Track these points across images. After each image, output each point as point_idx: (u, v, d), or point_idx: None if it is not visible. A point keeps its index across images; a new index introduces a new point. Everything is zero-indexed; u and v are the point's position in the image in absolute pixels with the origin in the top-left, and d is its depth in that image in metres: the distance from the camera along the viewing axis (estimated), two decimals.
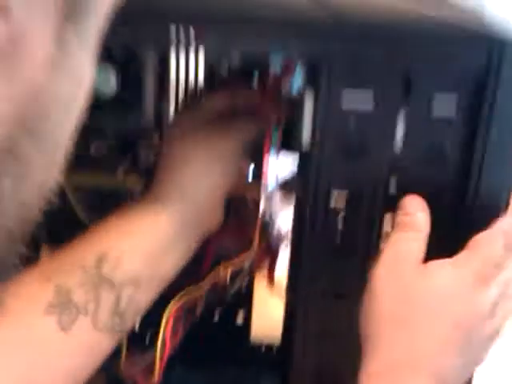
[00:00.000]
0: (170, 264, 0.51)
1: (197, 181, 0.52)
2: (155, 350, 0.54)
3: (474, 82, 0.47)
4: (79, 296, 0.46)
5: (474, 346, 0.44)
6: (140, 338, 0.65)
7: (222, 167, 0.53)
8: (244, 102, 0.56)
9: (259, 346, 0.66)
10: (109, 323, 0.47)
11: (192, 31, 0.44)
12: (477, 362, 0.46)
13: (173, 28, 0.44)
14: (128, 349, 0.59)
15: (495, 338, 0.46)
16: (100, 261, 0.47)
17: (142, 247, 0.49)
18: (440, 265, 0.45)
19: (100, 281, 0.47)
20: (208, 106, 0.54)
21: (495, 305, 0.45)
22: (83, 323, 0.46)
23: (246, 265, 0.58)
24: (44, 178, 0.27)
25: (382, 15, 0.44)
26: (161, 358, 0.53)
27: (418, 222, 0.47)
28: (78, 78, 0.26)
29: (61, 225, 0.52)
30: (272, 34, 0.45)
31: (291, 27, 0.45)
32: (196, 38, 0.45)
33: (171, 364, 0.60)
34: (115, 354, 0.58)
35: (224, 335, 0.66)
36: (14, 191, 0.25)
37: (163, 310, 0.55)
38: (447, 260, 0.45)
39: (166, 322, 0.54)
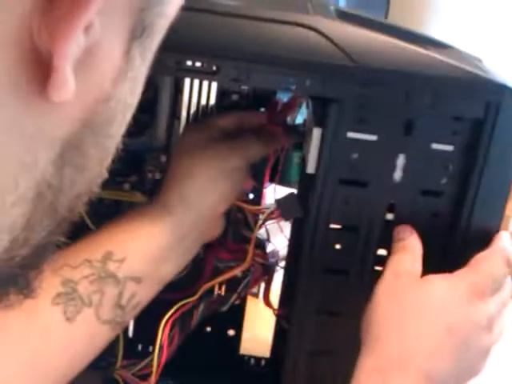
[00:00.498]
0: (170, 267, 0.55)
1: (201, 195, 0.55)
2: (152, 356, 0.56)
3: (471, 133, 0.50)
4: (84, 288, 0.50)
5: (471, 354, 0.48)
6: (133, 344, 0.67)
7: (227, 184, 0.55)
8: (251, 123, 0.59)
9: (248, 359, 0.68)
10: (111, 315, 0.51)
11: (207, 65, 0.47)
12: (473, 372, 0.49)
13: (189, 61, 0.47)
14: (123, 355, 0.61)
15: (488, 357, 0.49)
16: (106, 257, 0.51)
17: (145, 249, 0.53)
18: (436, 277, 0.49)
19: (105, 275, 0.50)
20: (217, 124, 0.58)
21: (492, 320, 0.49)
22: (87, 314, 0.49)
23: (244, 281, 0.61)
24: (96, 173, 0.30)
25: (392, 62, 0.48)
26: (158, 364, 0.55)
27: (412, 245, 0.51)
28: (137, 89, 0.29)
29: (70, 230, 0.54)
30: (284, 72, 0.48)
31: (307, 66, 0.47)
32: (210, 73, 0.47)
33: (161, 374, 0.62)
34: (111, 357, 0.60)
35: (214, 346, 0.68)
36: (72, 181, 0.28)
37: (156, 319, 0.58)
38: (446, 274, 0.49)
39: (163, 329, 0.56)
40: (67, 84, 0.23)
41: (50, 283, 0.48)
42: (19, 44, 0.22)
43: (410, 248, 0.51)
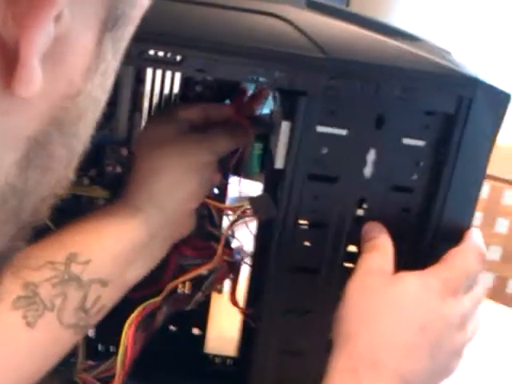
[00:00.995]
0: (138, 269, 0.53)
1: (168, 190, 0.53)
2: (116, 358, 0.54)
3: (442, 128, 0.49)
4: (46, 291, 0.47)
5: (443, 353, 0.47)
6: (93, 344, 0.65)
7: (195, 178, 0.53)
8: (217, 115, 0.57)
9: (214, 357, 0.66)
10: (74, 319, 0.48)
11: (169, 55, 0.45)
12: (446, 371, 0.48)
13: (151, 49, 0.45)
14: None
15: (462, 356, 0.49)
16: (69, 259, 0.48)
17: (111, 250, 0.50)
18: (408, 274, 0.48)
19: (68, 278, 0.48)
20: (182, 116, 0.55)
21: (466, 318, 0.48)
22: (48, 318, 0.47)
23: (208, 279, 0.59)
24: (62, 175, 0.28)
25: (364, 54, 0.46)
26: (122, 367, 0.53)
27: (382, 243, 0.50)
28: (107, 84, 0.28)
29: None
30: (252, 63, 0.46)
31: (275, 57, 0.46)
32: (175, 63, 0.45)
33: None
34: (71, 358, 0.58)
35: (179, 345, 0.66)
36: (37, 183, 0.26)
37: (118, 318, 0.55)
38: (418, 271, 0.48)
39: (128, 330, 0.54)
40: (34, 78, 0.22)
41: (9, 286, 0.45)
42: None
43: (380, 246, 0.50)
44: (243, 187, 0.64)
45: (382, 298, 0.47)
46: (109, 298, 0.51)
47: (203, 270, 0.56)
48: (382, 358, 0.45)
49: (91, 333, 0.64)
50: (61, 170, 0.27)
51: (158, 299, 0.54)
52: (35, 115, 0.24)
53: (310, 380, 0.55)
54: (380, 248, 0.50)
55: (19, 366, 0.46)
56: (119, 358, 0.52)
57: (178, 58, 0.46)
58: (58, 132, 0.26)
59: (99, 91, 0.27)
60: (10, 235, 0.27)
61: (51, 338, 0.47)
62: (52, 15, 0.21)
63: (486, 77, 0.49)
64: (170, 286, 0.56)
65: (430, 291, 0.47)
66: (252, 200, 0.53)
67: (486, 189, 1.33)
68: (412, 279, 0.48)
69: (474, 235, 0.50)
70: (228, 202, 0.64)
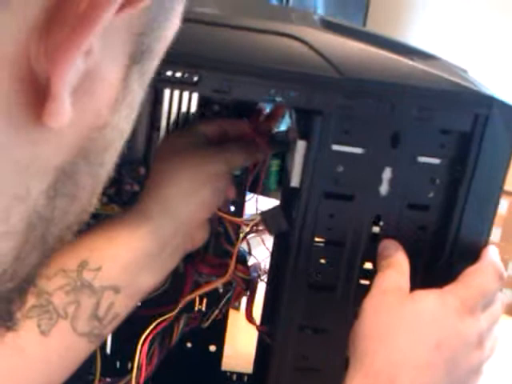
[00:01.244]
0: (150, 277, 0.53)
1: (181, 200, 0.53)
2: (131, 375, 0.54)
3: (458, 146, 0.50)
4: (59, 299, 0.47)
5: (460, 370, 0.47)
6: (111, 361, 0.65)
7: (207, 188, 0.53)
8: (234, 131, 0.58)
9: (231, 374, 0.67)
10: (87, 327, 0.49)
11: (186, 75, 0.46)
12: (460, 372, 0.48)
13: (168, 70, 0.46)
14: (101, 373, 0.59)
15: (480, 374, 0.48)
16: (81, 266, 0.49)
17: (123, 257, 0.51)
18: (425, 292, 0.48)
19: (81, 285, 0.48)
20: (199, 130, 0.56)
21: (483, 336, 0.48)
22: (62, 327, 0.47)
23: (225, 296, 0.59)
24: (88, 203, 0.28)
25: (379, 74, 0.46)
26: (137, 382, 0.53)
27: (398, 261, 0.50)
28: (133, 116, 0.28)
29: None
30: (268, 83, 0.46)
31: (290, 78, 0.46)
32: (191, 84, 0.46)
33: None
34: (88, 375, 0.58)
35: (196, 362, 0.66)
36: (64, 212, 0.27)
37: (135, 335, 0.56)
38: (435, 289, 0.48)
39: (142, 346, 0.54)
40: (64, 110, 0.22)
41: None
42: (15, 67, 0.21)
43: (396, 264, 0.50)
44: (260, 204, 0.65)
45: (398, 317, 0.48)
46: (122, 305, 0.51)
47: (216, 285, 0.56)
48: (398, 376, 0.45)
49: (109, 349, 0.65)
50: (87, 198, 0.28)
51: (171, 315, 0.55)
52: (63, 146, 0.24)
53: None
54: (396, 266, 0.50)
55: (34, 374, 0.47)
56: (134, 374, 0.52)
57: (195, 78, 0.46)
58: (85, 162, 0.26)
59: (125, 123, 0.28)
60: (35, 263, 0.27)
61: (65, 346, 0.48)
62: (82, 50, 0.21)
63: (501, 94, 0.49)
64: (184, 301, 0.56)
65: (447, 310, 0.47)
66: (263, 214, 0.53)
67: (504, 204, 1.32)
68: (429, 298, 0.48)
69: (491, 253, 0.50)
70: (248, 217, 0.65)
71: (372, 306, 0.48)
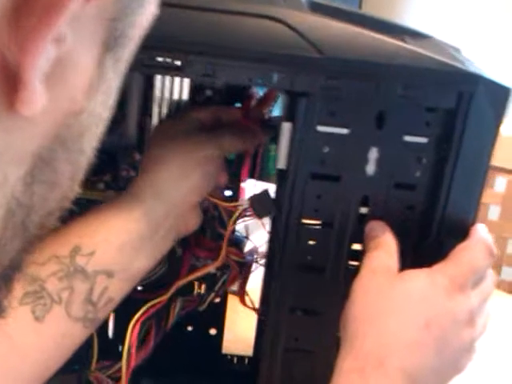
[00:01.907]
0: (143, 260, 0.53)
1: (171, 182, 0.53)
2: (122, 357, 0.55)
3: (444, 124, 0.49)
4: (53, 285, 0.48)
5: (451, 349, 0.47)
6: (113, 345, 0.66)
7: (198, 171, 0.54)
8: (227, 117, 0.58)
9: (231, 358, 0.67)
10: (82, 312, 0.49)
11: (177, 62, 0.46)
12: (456, 368, 0.48)
13: (159, 57, 0.46)
14: (102, 356, 0.60)
15: (473, 352, 0.48)
16: (74, 252, 0.50)
17: (115, 241, 0.51)
18: (414, 272, 0.48)
19: (74, 270, 0.49)
20: (192, 116, 0.57)
21: (474, 314, 0.47)
22: (57, 312, 0.48)
23: (221, 279, 0.60)
24: (68, 189, 0.29)
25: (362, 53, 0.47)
26: (127, 365, 0.54)
27: (386, 241, 0.50)
28: (110, 102, 0.29)
29: None
30: (251, 66, 0.47)
31: (273, 59, 0.46)
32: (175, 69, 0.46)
33: (142, 373, 0.61)
34: (87, 359, 0.59)
35: (197, 345, 0.67)
36: (43, 198, 0.27)
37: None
38: (424, 268, 0.48)
39: (132, 329, 0.55)
40: (36, 97, 0.22)
41: (16, 282, 0.47)
42: None
43: (384, 245, 0.50)
44: (260, 189, 0.65)
45: (387, 297, 0.48)
46: (116, 289, 0.52)
47: (209, 269, 0.57)
48: (387, 356, 0.45)
49: (110, 333, 0.66)
50: (66, 184, 0.28)
51: (162, 298, 0.56)
52: (38, 133, 0.25)
53: (318, 378, 0.55)
54: (384, 246, 0.50)
55: (30, 360, 0.48)
56: (124, 356, 0.53)
57: (179, 63, 0.47)
58: (62, 148, 0.26)
59: (101, 109, 0.28)
60: (17, 249, 0.28)
61: (60, 331, 0.49)
62: (52, 38, 0.21)
63: (487, 72, 0.49)
64: (177, 284, 0.57)
65: (437, 288, 0.47)
66: (251, 198, 0.54)
67: (503, 182, 1.30)
68: (418, 277, 0.48)
69: (480, 230, 0.50)
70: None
71: (361, 287, 0.49)
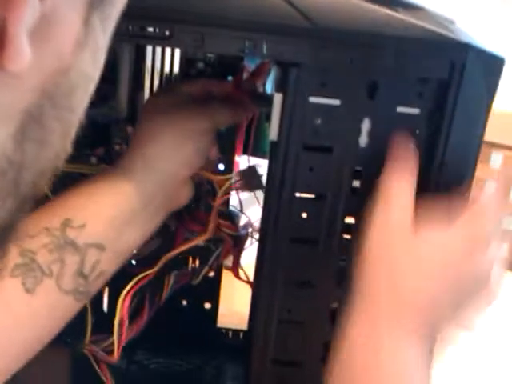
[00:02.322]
0: (134, 233, 0.53)
1: (163, 157, 0.53)
2: (113, 331, 0.55)
3: (436, 95, 0.49)
4: (43, 258, 0.48)
5: (468, 301, 0.47)
6: (107, 319, 0.66)
7: (190, 146, 0.54)
8: (219, 91, 0.58)
9: (226, 331, 0.68)
10: (73, 285, 0.49)
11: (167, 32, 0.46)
12: (472, 311, 0.48)
13: (149, 27, 0.46)
14: (97, 330, 0.61)
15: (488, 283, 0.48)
16: (64, 224, 0.49)
17: (106, 214, 0.51)
18: (431, 225, 0.46)
19: (64, 243, 0.49)
20: (183, 89, 0.56)
21: (488, 273, 0.47)
22: (47, 285, 0.48)
23: (214, 253, 0.60)
24: (60, 148, 0.29)
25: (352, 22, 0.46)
26: (119, 338, 0.54)
27: (402, 191, 0.47)
28: (98, 60, 0.29)
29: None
30: (239, 35, 0.46)
31: (262, 28, 0.46)
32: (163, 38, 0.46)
33: (137, 346, 0.61)
34: (81, 332, 0.60)
35: (191, 319, 0.67)
36: (35, 157, 0.27)
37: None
38: (441, 224, 0.46)
39: (122, 302, 0.55)
40: (23, 53, 0.22)
41: (7, 254, 0.47)
42: None
43: (400, 196, 0.47)
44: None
45: (400, 250, 0.46)
46: (107, 263, 0.51)
47: (197, 242, 0.57)
48: (403, 312, 0.45)
49: (105, 307, 0.66)
50: (57, 142, 0.28)
51: (152, 271, 0.55)
52: (26, 89, 0.25)
53: (311, 349, 0.55)
54: (399, 198, 0.47)
55: (21, 333, 0.48)
56: (115, 329, 0.53)
57: (167, 32, 0.46)
58: (51, 105, 0.27)
59: (90, 67, 0.28)
60: (11, 209, 0.28)
61: (51, 304, 0.49)
62: None
63: (480, 42, 0.48)
64: (165, 257, 0.57)
65: (453, 246, 0.46)
66: (241, 173, 0.53)
67: (499, 158, 1.29)
68: (435, 231, 0.46)
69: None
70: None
71: (375, 242, 0.47)
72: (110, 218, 0.51)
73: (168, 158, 0.53)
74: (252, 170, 0.54)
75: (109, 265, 0.52)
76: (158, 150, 0.53)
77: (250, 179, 0.53)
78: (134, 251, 0.56)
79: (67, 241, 0.49)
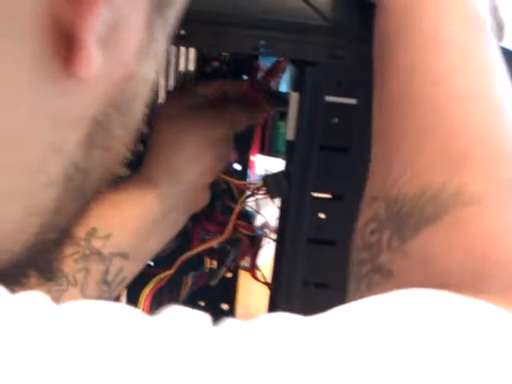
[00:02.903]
0: (156, 241, 0.54)
1: (185, 164, 0.53)
2: None
3: None
4: (69, 266, 0.48)
5: None
6: None
7: (211, 153, 0.54)
8: (234, 91, 0.57)
9: None
10: (97, 292, 0.50)
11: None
12: None
13: None
14: None
15: None
16: (90, 234, 0.50)
17: (131, 224, 0.51)
18: None
19: (90, 252, 0.49)
20: (199, 93, 0.56)
21: None
22: (72, 293, 0.48)
23: (231, 254, 0.59)
24: (121, 154, 0.29)
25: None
26: None
27: None
28: (158, 64, 0.29)
29: None
30: (256, 34, 0.46)
31: (278, 27, 0.45)
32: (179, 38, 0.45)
33: None
34: None
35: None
36: (100, 163, 0.27)
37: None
38: None
39: (143, 302, 0.55)
40: (93, 60, 0.22)
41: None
42: (41, 17, 0.21)
43: None
44: (271, 165, 0.64)
45: None
46: (130, 270, 0.52)
47: (214, 243, 0.57)
48: None
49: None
50: (120, 149, 0.29)
51: (169, 272, 0.55)
52: (94, 97, 0.25)
53: None
54: None
55: None
56: None
57: (182, 32, 0.46)
58: (116, 112, 0.26)
59: (152, 73, 0.28)
60: (73, 214, 0.28)
61: None
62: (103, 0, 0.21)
63: None
64: (183, 257, 0.56)
65: None
66: (266, 178, 0.53)
67: None
68: None
69: None
70: (254, 179, 0.65)
71: None
72: (135, 228, 0.52)
73: (191, 166, 0.53)
74: (278, 176, 0.53)
75: (131, 271, 0.52)
76: (181, 158, 0.53)
77: (275, 186, 0.53)
78: None
79: (92, 250, 0.49)
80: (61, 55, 0.22)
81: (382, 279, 0.33)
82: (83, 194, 0.28)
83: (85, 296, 0.49)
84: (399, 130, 0.35)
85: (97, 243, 0.50)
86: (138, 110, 0.28)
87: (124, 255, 0.51)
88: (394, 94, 0.36)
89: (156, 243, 0.54)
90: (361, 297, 0.29)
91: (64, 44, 0.22)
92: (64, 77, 0.23)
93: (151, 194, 0.52)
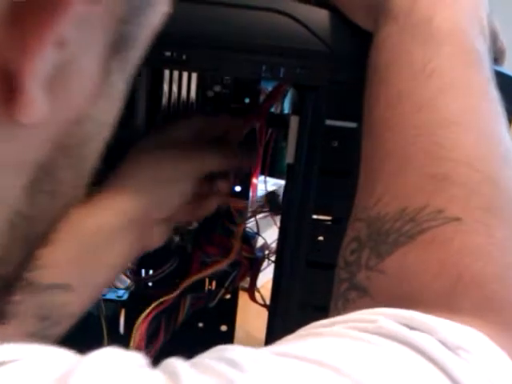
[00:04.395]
0: (101, 272, 0.50)
1: (133, 196, 0.50)
2: None
3: None
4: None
5: None
6: (124, 341, 0.66)
7: (165, 189, 0.52)
8: (213, 130, 0.56)
9: None
10: (35, 327, 0.46)
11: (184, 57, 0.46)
12: None
13: (167, 51, 0.46)
14: None
15: None
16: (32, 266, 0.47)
17: (69, 253, 0.48)
18: None
19: (26, 284, 0.45)
20: (173, 133, 0.54)
21: None
22: (10, 328, 0.43)
23: (232, 275, 0.60)
24: (71, 197, 0.28)
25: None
26: None
27: None
28: (115, 106, 0.27)
29: None
30: (257, 60, 0.46)
31: (279, 53, 0.46)
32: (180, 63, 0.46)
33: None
34: None
35: (208, 342, 0.67)
36: (46, 209, 0.26)
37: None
38: None
39: (139, 327, 0.54)
40: (36, 105, 0.21)
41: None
42: None
43: None
44: (273, 187, 0.65)
45: None
46: (73, 302, 0.48)
47: (220, 267, 0.57)
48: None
49: (122, 329, 0.66)
50: (69, 192, 0.27)
51: (171, 296, 0.55)
52: (38, 142, 0.23)
53: None
54: None
55: None
56: None
57: (184, 57, 0.47)
58: (64, 156, 0.25)
59: (106, 115, 0.26)
60: (21, 259, 0.27)
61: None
62: (53, 41, 0.20)
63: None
64: (185, 283, 0.56)
65: None
66: (269, 194, 0.53)
67: None
68: None
69: None
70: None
71: None
72: (73, 257, 0.48)
73: (136, 199, 0.50)
74: (275, 196, 0.53)
75: (76, 304, 0.49)
76: (128, 190, 0.50)
77: (277, 201, 0.53)
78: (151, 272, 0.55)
79: (28, 282, 0.45)
80: (1, 99, 0.21)
81: (357, 297, 0.33)
82: (29, 240, 0.26)
83: (23, 330, 0.45)
84: (383, 152, 0.36)
85: (32, 274, 0.45)
86: (91, 154, 0.27)
87: (63, 287, 0.47)
88: (381, 119, 0.37)
89: (101, 275, 0.50)
90: (338, 314, 0.30)
91: (5, 86, 0.20)
92: (5, 122, 0.21)
93: (95, 221, 0.49)
